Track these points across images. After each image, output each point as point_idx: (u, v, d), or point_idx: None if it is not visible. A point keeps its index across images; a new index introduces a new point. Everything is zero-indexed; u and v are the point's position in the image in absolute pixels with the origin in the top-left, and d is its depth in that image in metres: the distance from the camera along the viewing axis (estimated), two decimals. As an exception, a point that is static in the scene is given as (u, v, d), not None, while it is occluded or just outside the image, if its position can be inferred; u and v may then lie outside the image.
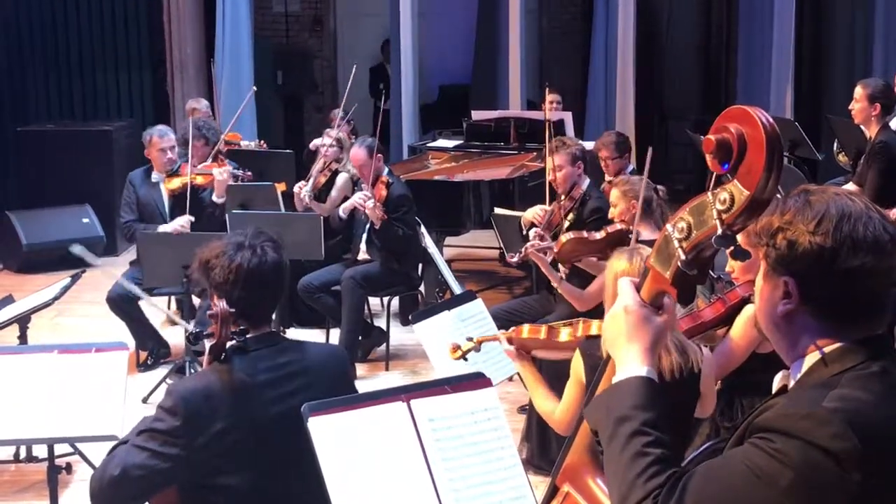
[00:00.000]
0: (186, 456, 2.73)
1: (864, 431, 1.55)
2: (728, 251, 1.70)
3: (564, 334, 3.43)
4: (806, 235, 1.64)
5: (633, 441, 1.67)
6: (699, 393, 3.32)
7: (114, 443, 2.90)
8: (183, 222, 6.38)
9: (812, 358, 1.69)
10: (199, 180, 6.55)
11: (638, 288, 1.82)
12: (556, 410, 3.46)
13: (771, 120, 1.67)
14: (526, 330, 3.53)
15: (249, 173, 6.72)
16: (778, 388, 1.77)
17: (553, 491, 1.98)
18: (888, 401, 1.62)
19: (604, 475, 1.81)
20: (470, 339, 3.65)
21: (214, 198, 6.53)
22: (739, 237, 1.72)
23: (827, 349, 1.67)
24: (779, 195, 1.72)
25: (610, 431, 1.71)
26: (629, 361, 1.76)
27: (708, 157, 1.71)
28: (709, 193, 1.71)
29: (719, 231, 1.68)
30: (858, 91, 6.46)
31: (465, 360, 3.62)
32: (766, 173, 1.64)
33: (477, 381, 2.73)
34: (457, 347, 3.63)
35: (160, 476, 2.74)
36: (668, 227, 1.76)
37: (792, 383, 1.72)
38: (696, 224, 1.72)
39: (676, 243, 1.74)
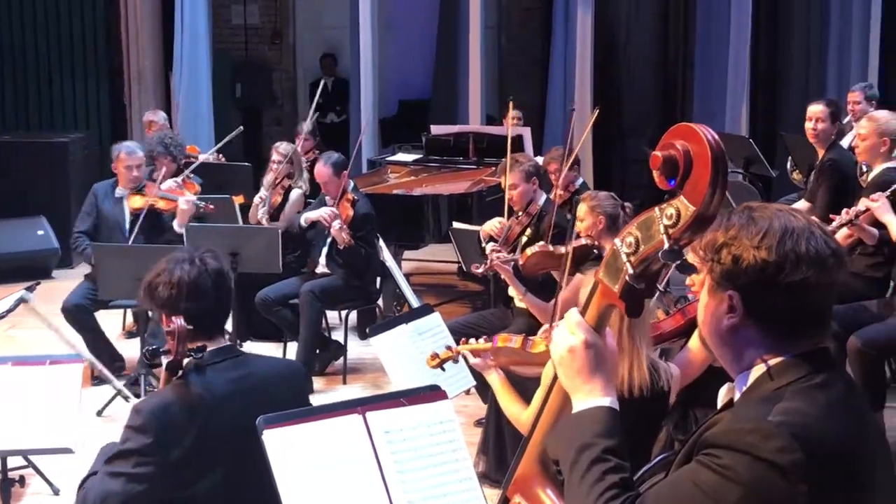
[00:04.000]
0: (160, 473, 2.73)
1: (809, 444, 1.58)
2: (675, 265, 1.73)
3: (541, 346, 3.35)
4: (750, 250, 1.67)
5: (594, 468, 1.70)
6: (666, 412, 3.34)
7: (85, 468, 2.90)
8: None
9: (757, 371, 1.71)
10: (162, 205, 6.52)
11: (586, 304, 1.85)
12: (523, 415, 3.48)
13: (716, 137, 1.71)
14: (500, 340, 3.47)
15: (212, 207, 6.62)
16: (724, 403, 1.80)
17: (504, 502, 2.01)
18: (831, 412, 1.65)
19: (553, 486, 1.83)
20: (449, 349, 3.65)
21: (175, 226, 6.50)
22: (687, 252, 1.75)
23: (771, 362, 1.70)
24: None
25: (572, 459, 1.74)
26: (593, 393, 1.78)
27: (655, 174, 1.75)
28: (656, 209, 1.74)
29: (666, 245, 1.71)
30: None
31: (443, 369, 3.62)
32: (711, 189, 1.67)
33: (432, 393, 2.74)
34: (435, 356, 3.64)
35: (138, 499, 2.73)
36: (617, 241, 1.79)
37: (737, 395, 1.74)
38: (643, 239, 1.76)
39: (624, 257, 1.77)
